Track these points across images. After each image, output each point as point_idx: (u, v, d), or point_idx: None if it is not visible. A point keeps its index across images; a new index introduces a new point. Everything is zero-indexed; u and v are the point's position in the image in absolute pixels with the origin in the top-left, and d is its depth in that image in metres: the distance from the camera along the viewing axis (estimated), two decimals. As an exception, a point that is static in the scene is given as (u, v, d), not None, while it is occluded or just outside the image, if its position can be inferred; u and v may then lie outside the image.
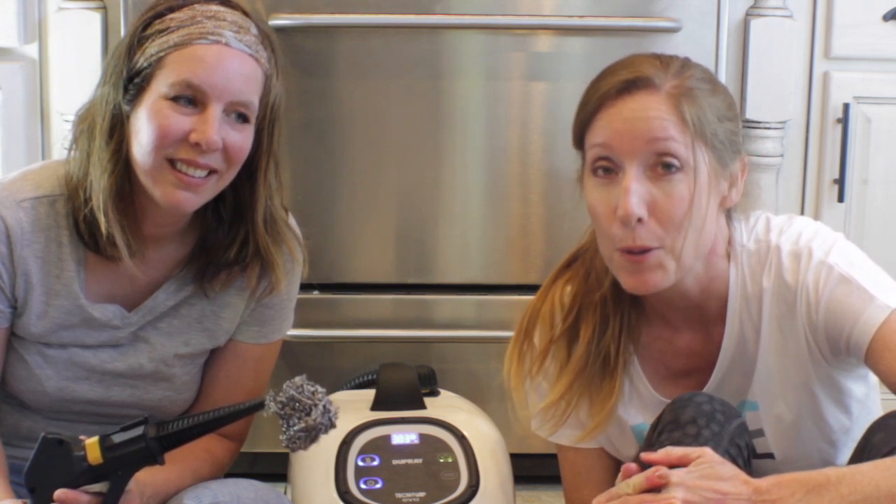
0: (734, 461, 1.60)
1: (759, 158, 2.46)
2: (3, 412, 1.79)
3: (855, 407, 1.76)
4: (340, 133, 2.40)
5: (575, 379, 1.77)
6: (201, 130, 1.64)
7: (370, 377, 2.21)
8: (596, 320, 1.77)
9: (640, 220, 1.61)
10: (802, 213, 2.55)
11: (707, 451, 1.52)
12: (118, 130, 1.68)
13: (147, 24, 1.68)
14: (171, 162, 1.66)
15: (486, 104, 2.42)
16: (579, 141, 1.69)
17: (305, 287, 1.99)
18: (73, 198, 1.71)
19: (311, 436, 1.50)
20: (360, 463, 1.94)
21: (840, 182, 2.51)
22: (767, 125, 2.48)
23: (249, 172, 1.73)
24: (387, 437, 1.98)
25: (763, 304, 1.70)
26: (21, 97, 2.46)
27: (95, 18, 2.40)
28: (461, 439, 1.98)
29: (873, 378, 1.76)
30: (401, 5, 2.36)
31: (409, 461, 1.94)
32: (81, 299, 1.74)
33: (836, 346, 1.67)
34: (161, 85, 1.65)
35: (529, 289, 2.07)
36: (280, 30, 2.27)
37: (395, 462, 1.94)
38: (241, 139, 1.68)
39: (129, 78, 1.67)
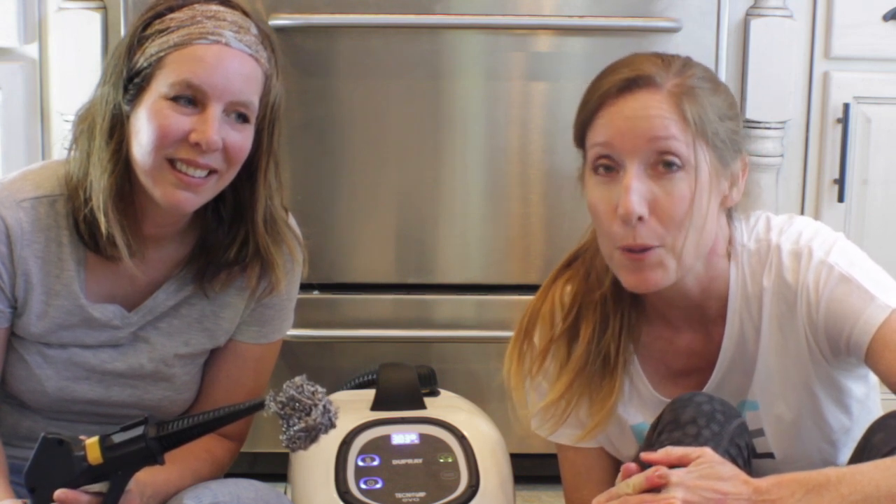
0: (734, 461, 1.60)
1: (759, 158, 2.45)
2: (3, 412, 1.79)
3: (855, 407, 1.76)
4: (340, 133, 2.40)
5: (575, 378, 1.77)
6: (201, 130, 1.64)
7: (370, 377, 2.21)
8: (596, 319, 1.77)
9: (640, 218, 1.61)
10: (802, 213, 2.55)
11: (707, 451, 1.52)
12: (118, 130, 1.68)
13: (147, 24, 1.68)
14: (171, 162, 1.66)
15: (486, 104, 2.42)
16: (580, 139, 1.69)
17: (305, 287, 1.99)
18: (73, 198, 1.71)
19: (311, 436, 1.50)
20: (360, 463, 1.94)
21: (840, 182, 2.51)
22: (767, 125, 2.48)
23: (249, 172, 1.73)
24: (387, 437, 1.98)
25: (763, 304, 1.70)
26: (21, 97, 2.46)
27: (95, 18, 2.40)
28: (461, 439, 1.98)
29: (873, 378, 1.76)
30: (401, 5, 2.36)
31: (409, 461, 1.94)
32: (81, 299, 1.74)
33: (837, 346, 1.67)
34: (161, 85, 1.65)
35: (529, 289, 2.07)
36: (280, 30, 2.27)
37: (395, 462, 1.94)
38: (241, 139, 1.68)
39: (129, 78, 1.67)
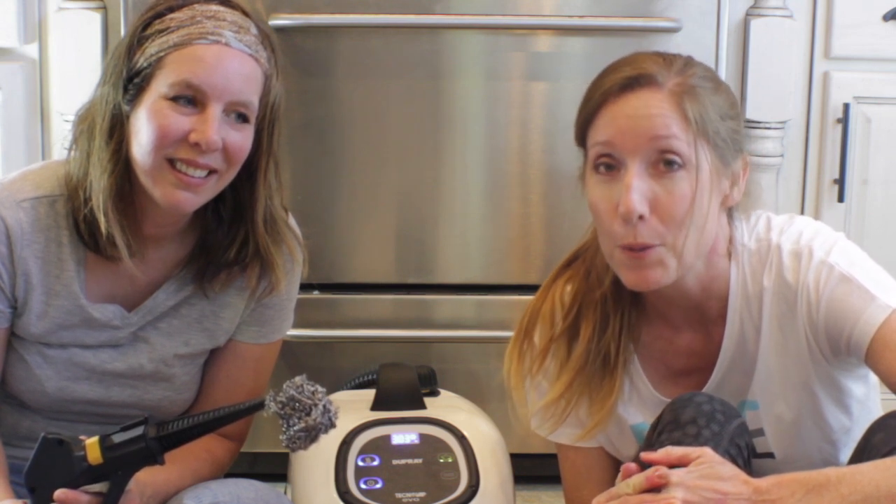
0: (734, 461, 1.60)
1: (759, 158, 2.45)
2: (3, 412, 1.79)
3: (855, 407, 1.76)
4: (340, 133, 2.40)
5: (575, 377, 1.77)
6: (201, 130, 1.64)
7: (370, 377, 2.21)
8: (596, 319, 1.77)
9: (641, 217, 1.61)
10: (802, 213, 2.55)
11: (707, 451, 1.52)
12: (118, 130, 1.68)
13: (147, 24, 1.68)
14: (171, 162, 1.66)
15: (486, 104, 2.42)
16: (581, 138, 1.69)
17: (305, 287, 1.99)
18: (72, 198, 1.71)
19: (311, 436, 1.50)
20: (360, 463, 1.94)
21: (840, 182, 2.51)
22: (767, 125, 2.48)
23: (249, 172, 1.73)
24: (387, 437, 1.98)
25: (763, 304, 1.70)
26: (21, 97, 2.46)
27: (95, 18, 2.40)
28: (461, 439, 1.98)
29: (873, 378, 1.76)
30: (401, 5, 2.36)
31: (409, 461, 1.94)
32: (81, 299, 1.73)
33: (837, 346, 1.67)
34: (161, 85, 1.65)
35: (529, 289, 2.07)
36: (280, 30, 2.27)
37: (395, 462, 1.94)
38: (241, 139, 1.68)
39: (128, 78, 1.67)
